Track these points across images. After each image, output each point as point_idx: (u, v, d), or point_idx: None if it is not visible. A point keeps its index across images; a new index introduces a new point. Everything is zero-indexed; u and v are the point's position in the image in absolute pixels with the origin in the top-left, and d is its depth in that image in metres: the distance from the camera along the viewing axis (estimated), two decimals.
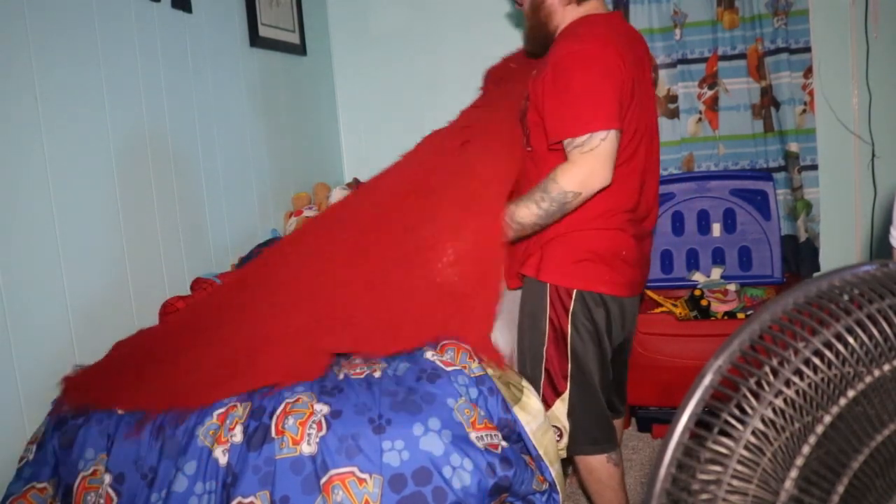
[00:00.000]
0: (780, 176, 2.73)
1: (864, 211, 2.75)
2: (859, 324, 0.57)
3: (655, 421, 2.48)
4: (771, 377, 0.57)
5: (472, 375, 1.44)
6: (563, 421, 1.63)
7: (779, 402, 0.56)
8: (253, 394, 1.40)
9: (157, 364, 1.53)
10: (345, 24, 3.14)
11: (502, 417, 1.41)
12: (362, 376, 1.42)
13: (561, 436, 1.64)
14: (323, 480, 1.26)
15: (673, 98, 2.78)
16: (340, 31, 3.16)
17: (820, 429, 0.57)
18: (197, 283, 1.98)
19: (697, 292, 2.48)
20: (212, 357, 1.49)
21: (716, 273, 2.65)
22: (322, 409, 1.34)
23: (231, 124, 2.35)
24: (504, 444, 1.36)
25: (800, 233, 2.72)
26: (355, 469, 1.27)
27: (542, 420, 1.48)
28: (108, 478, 1.37)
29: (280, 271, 1.73)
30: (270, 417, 1.33)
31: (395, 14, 3.08)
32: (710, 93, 2.77)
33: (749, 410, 0.56)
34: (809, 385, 0.57)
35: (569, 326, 1.60)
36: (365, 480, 1.26)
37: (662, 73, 2.76)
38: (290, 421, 1.31)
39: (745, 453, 0.56)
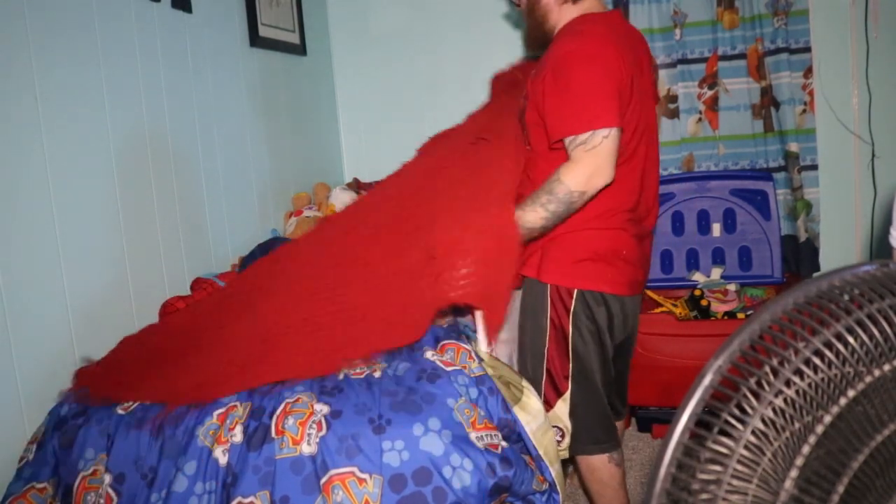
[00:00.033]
0: (780, 176, 2.73)
1: (864, 211, 2.76)
2: (859, 324, 0.57)
3: (655, 421, 2.48)
4: (771, 377, 0.57)
5: (472, 375, 1.44)
6: (566, 421, 1.63)
7: (779, 402, 0.56)
8: (253, 393, 1.41)
9: (170, 358, 1.53)
10: (345, 24, 3.14)
11: (502, 417, 1.41)
12: (362, 376, 1.42)
13: (563, 436, 1.64)
14: (323, 480, 1.26)
15: (673, 98, 2.78)
16: (340, 31, 3.16)
17: (820, 429, 0.57)
18: (197, 283, 1.98)
19: (697, 292, 2.48)
20: (224, 352, 1.49)
21: (716, 273, 2.65)
22: (322, 409, 1.34)
23: (231, 124, 2.35)
24: (504, 444, 1.36)
25: (800, 233, 2.72)
26: (355, 469, 1.27)
27: (542, 420, 1.48)
28: (108, 478, 1.37)
29: (292, 269, 1.73)
30: (270, 417, 1.33)
31: (395, 14, 3.08)
32: (710, 93, 2.77)
33: (749, 410, 0.56)
34: (809, 385, 0.57)
35: (570, 326, 1.60)
36: (365, 480, 1.26)
37: (662, 73, 2.76)
38: (290, 421, 1.31)
39: (745, 453, 0.56)
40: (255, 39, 2.48)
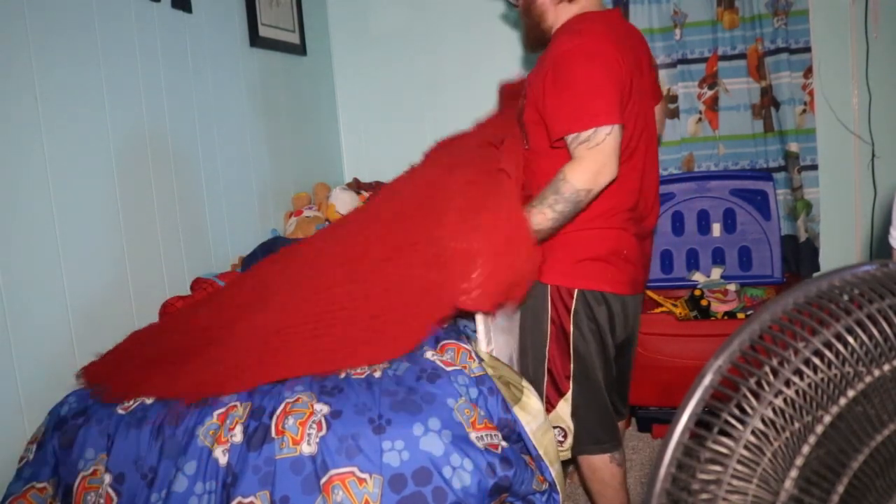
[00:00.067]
0: (780, 176, 2.73)
1: (864, 211, 2.76)
2: (859, 324, 0.57)
3: (655, 421, 2.48)
4: (771, 377, 0.57)
5: (472, 375, 1.44)
6: (568, 421, 1.63)
7: (779, 402, 0.56)
8: (253, 393, 1.40)
9: (186, 353, 1.53)
10: (345, 24, 3.14)
11: (502, 417, 1.41)
12: (362, 376, 1.42)
13: (565, 436, 1.64)
14: (323, 480, 1.26)
15: (673, 98, 2.78)
16: (340, 31, 3.16)
17: (820, 429, 0.57)
18: (197, 283, 1.98)
19: (697, 292, 2.48)
20: (239, 346, 1.49)
21: (716, 273, 2.65)
22: (322, 409, 1.34)
23: (231, 124, 2.35)
24: (504, 444, 1.36)
25: (800, 233, 2.72)
26: (355, 469, 1.27)
27: (542, 420, 1.48)
28: (108, 478, 1.37)
29: (305, 266, 1.73)
30: (270, 417, 1.33)
31: (395, 14, 3.08)
32: (710, 93, 2.77)
33: (749, 410, 0.56)
34: (809, 385, 0.57)
35: (571, 326, 1.60)
36: (365, 480, 1.26)
37: (662, 73, 2.76)
38: (290, 421, 1.31)
39: (745, 453, 0.56)
40: (255, 39, 2.48)
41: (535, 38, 1.70)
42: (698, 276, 2.67)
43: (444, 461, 1.27)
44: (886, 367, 0.58)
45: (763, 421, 0.56)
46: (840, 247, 2.78)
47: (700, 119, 2.80)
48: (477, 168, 1.65)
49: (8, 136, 1.50)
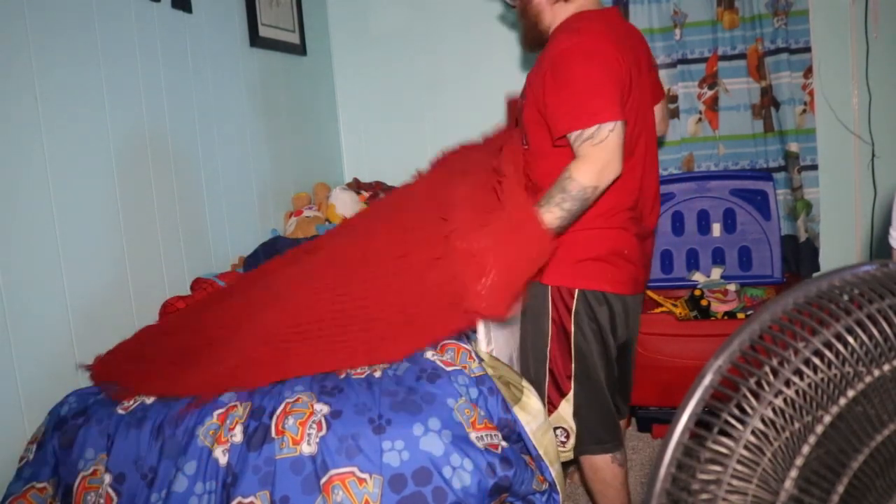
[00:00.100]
0: (780, 176, 2.73)
1: (864, 211, 2.76)
2: (859, 324, 0.57)
3: (655, 421, 2.48)
4: (771, 377, 0.57)
5: (472, 375, 1.44)
6: (570, 422, 1.63)
7: (779, 402, 0.56)
8: (253, 393, 1.40)
9: (191, 353, 1.53)
10: (345, 24, 3.14)
11: (502, 417, 1.41)
12: (363, 376, 1.42)
13: (568, 437, 1.63)
14: (323, 480, 1.26)
15: (673, 98, 2.78)
16: (340, 31, 3.16)
17: (820, 429, 0.57)
18: (197, 283, 1.98)
19: (697, 292, 2.48)
20: (253, 341, 1.50)
21: (716, 273, 2.65)
22: (322, 409, 1.34)
23: (231, 124, 2.35)
24: (504, 444, 1.36)
25: (800, 233, 2.72)
26: (355, 469, 1.27)
27: (542, 420, 1.48)
28: (108, 478, 1.37)
29: (314, 265, 1.73)
30: (270, 417, 1.33)
31: (395, 14, 3.08)
32: (710, 93, 2.77)
33: (749, 410, 0.56)
34: (809, 385, 0.57)
35: (572, 326, 1.60)
36: (365, 480, 1.26)
37: (662, 73, 2.75)
38: (290, 421, 1.31)
39: (745, 453, 0.56)
40: (255, 39, 2.48)
41: (533, 38, 1.70)
42: (698, 276, 2.67)
43: (444, 461, 1.27)
44: (886, 367, 0.58)
45: (763, 421, 0.56)
46: (840, 247, 2.78)
47: (700, 119, 2.80)
48: (487, 173, 1.65)
49: (8, 136, 1.50)
